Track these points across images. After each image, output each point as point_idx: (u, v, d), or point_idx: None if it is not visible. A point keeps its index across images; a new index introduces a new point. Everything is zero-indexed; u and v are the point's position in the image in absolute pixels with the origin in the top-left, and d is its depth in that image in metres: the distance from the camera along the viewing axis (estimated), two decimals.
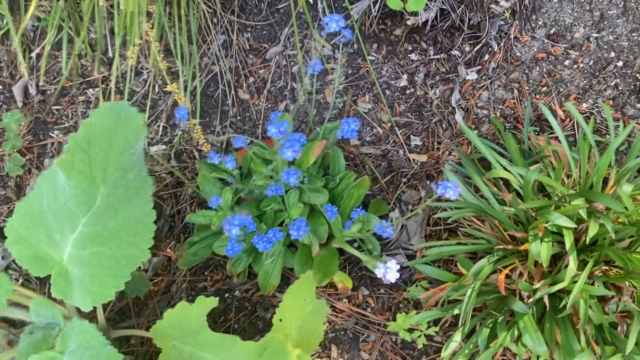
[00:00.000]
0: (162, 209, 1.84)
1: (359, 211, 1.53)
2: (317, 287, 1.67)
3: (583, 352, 1.30)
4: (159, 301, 1.72)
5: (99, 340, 1.16)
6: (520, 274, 1.39)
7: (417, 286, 1.58)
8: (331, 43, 2.01)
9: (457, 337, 1.46)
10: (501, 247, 1.37)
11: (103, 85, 2.04)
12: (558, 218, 1.27)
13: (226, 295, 1.71)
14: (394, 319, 1.62)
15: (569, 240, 1.29)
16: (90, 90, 2.01)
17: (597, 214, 1.30)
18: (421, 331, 1.51)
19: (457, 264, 1.45)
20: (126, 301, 1.72)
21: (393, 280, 1.14)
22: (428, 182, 1.80)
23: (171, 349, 1.36)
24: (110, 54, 2.00)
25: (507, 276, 1.43)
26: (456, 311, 1.43)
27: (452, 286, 1.42)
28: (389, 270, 1.13)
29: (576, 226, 1.28)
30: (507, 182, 1.55)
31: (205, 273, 1.74)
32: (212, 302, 1.32)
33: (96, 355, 1.15)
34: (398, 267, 1.14)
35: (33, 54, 2.05)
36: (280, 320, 1.36)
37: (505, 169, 1.49)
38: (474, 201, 1.45)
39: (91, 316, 1.71)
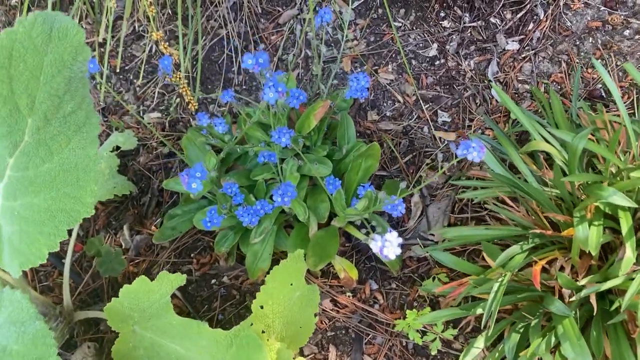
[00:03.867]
0: (150, 182, 1.63)
1: (366, 187, 1.28)
2: (317, 278, 1.42)
3: None
4: None
5: (29, 313, 0.94)
6: (562, 268, 1.12)
7: (433, 280, 1.31)
8: (352, 7, 1.78)
9: (480, 342, 1.18)
10: (537, 231, 1.10)
11: (102, 49, 1.85)
12: (613, 195, 1.00)
13: (213, 281, 1.47)
14: (405, 319, 1.36)
15: (626, 224, 1.02)
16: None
17: None
18: (436, 334, 1.24)
19: (483, 254, 1.18)
20: (101, 282, 1.51)
21: (392, 257, 0.88)
22: (455, 163, 1.54)
23: (130, 334, 1.13)
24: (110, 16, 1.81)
25: (544, 270, 1.15)
26: (479, 311, 1.16)
27: (475, 280, 1.15)
28: (387, 244, 0.87)
29: (637, 205, 1.00)
30: (548, 160, 1.28)
31: (192, 255, 1.52)
32: (178, 279, 1.09)
33: (23, 332, 0.93)
34: (400, 240, 0.88)
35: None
36: (262, 307, 1.12)
37: (547, 141, 1.22)
38: (506, 175, 1.18)
39: (58, 299, 1.51)
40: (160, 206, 1.61)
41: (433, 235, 1.45)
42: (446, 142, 1.57)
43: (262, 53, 0.93)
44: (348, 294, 1.41)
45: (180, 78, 1.34)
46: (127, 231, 1.58)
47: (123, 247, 1.56)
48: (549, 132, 1.20)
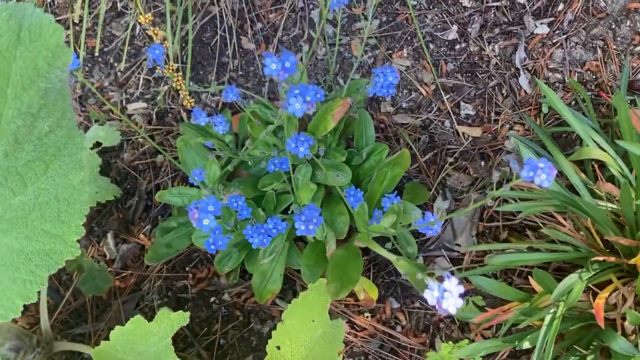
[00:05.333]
0: (137, 182, 1.44)
1: (392, 198, 1.12)
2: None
3: None
4: (125, 302, 1.32)
5: None
6: (624, 298, 0.97)
7: (467, 303, 1.16)
8: None
9: None
10: (600, 258, 0.95)
11: (77, 28, 1.63)
12: None
13: (212, 299, 1.31)
14: (432, 344, 1.21)
15: None
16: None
17: None
18: None
19: (531, 280, 1.03)
20: (84, 299, 1.33)
21: (453, 311, 0.72)
22: (482, 162, 1.38)
23: None
24: None
25: (596, 295, 1.01)
26: (526, 344, 1.02)
27: (522, 309, 1.01)
28: (446, 295, 0.71)
29: None
30: (601, 167, 1.13)
31: (187, 269, 1.34)
32: (181, 319, 0.92)
33: None
34: (461, 289, 0.72)
35: None
36: (278, 348, 0.95)
37: (600, 147, 1.07)
38: (556, 189, 1.02)
39: (35, 319, 1.33)
40: (149, 210, 1.42)
41: (459, 245, 1.30)
42: (471, 139, 1.40)
43: (287, 54, 0.75)
44: (366, 314, 1.25)
45: (172, 69, 1.14)
46: (112, 239, 1.39)
47: (107, 257, 1.38)
48: (614, 142, 1.04)
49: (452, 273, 1.27)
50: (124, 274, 1.35)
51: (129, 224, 1.41)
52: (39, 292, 1.05)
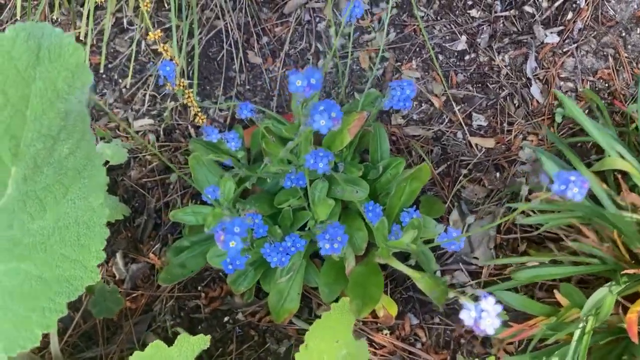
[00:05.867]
0: (145, 200, 1.41)
1: (412, 212, 1.09)
2: None
3: None
4: (136, 323, 1.29)
5: None
6: None
7: None
8: None
9: None
10: (631, 272, 0.93)
11: (80, 44, 1.60)
12: None
13: (226, 319, 1.27)
14: (454, 359, 1.18)
15: None
16: None
17: None
18: None
19: (557, 294, 1.01)
20: (94, 322, 1.30)
21: (491, 332, 0.70)
22: (497, 174, 1.36)
23: None
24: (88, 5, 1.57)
25: (624, 307, 0.99)
26: None
27: (548, 324, 0.98)
28: (484, 315, 0.69)
29: None
30: (624, 177, 1.11)
31: (199, 288, 1.31)
32: (201, 342, 0.89)
33: None
34: (499, 309, 0.70)
35: None
36: None
37: (622, 157, 1.05)
38: (586, 203, 1.00)
39: (46, 340, 1.29)
40: (158, 229, 1.39)
41: (477, 259, 1.27)
42: (484, 150, 1.39)
43: (313, 71, 0.72)
44: (385, 331, 1.23)
45: (183, 86, 1.12)
46: (121, 259, 1.36)
47: (117, 277, 1.35)
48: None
49: (472, 287, 1.25)
50: (134, 295, 1.32)
51: (138, 242, 1.38)
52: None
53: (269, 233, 1.07)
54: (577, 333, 0.95)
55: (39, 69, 0.63)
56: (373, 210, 1.08)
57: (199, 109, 1.15)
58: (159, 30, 1.14)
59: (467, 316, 0.70)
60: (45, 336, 1.30)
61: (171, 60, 1.07)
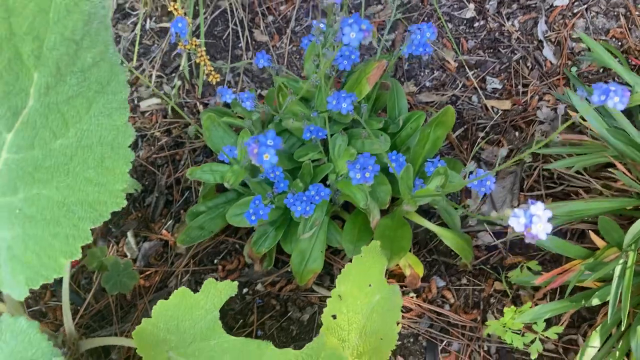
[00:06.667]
0: (156, 178, 1.37)
1: (436, 162, 1.06)
2: None
3: None
4: (150, 301, 1.24)
5: (40, 348, 0.68)
6: None
7: (521, 269, 1.09)
8: None
9: (595, 340, 0.97)
10: None
11: None
12: None
13: (245, 290, 1.23)
14: (484, 320, 1.14)
15: None
16: None
17: None
18: (536, 333, 1.02)
19: (591, 234, 0.97)
20: (107, 301, 1.25)
21: (543, 237, 0.66)
22: (516, 133, 1.33)
23: None
24: None
25: None
26: (595, 301, 0.95)
27: (587, 264, 0.94)
28: (535, 220, 0.65)
29: None
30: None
31: (215, 261, 1.27)
32: (229, 288, 0.85)
33: None
34: (549, 214, 0.66)
35: None
36: (334, 317, 0.88)
37: None
38: (621, 131, 0.97)
39: (57, 322, 1.24)
40: (170, 206, 1.35)
41: (501, 219, 1.23)
42: (500, 112, 1.36)
43: (359, 19, 0.69)
44: (411, 294, 1.18)
45: (195, 45, 1.09)
46: (132, 238, 1.32)
47: (129, 257, 1.30)
48: None
49: (496, 247, 1.21)
50: (148, 272, 1.27)
51: (149, 222, 1.34)
52: (61, 290, 0.98)
53: (291, 186, 1.03)
54: (618, 269, 0.91)
55: None
56: (396, 160, 1.04)
57: (212, 69, 1.11)
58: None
59: (516, 223, 0.67)
60: (55, 319, 1.25)
61: (184, 16, 1.05)
